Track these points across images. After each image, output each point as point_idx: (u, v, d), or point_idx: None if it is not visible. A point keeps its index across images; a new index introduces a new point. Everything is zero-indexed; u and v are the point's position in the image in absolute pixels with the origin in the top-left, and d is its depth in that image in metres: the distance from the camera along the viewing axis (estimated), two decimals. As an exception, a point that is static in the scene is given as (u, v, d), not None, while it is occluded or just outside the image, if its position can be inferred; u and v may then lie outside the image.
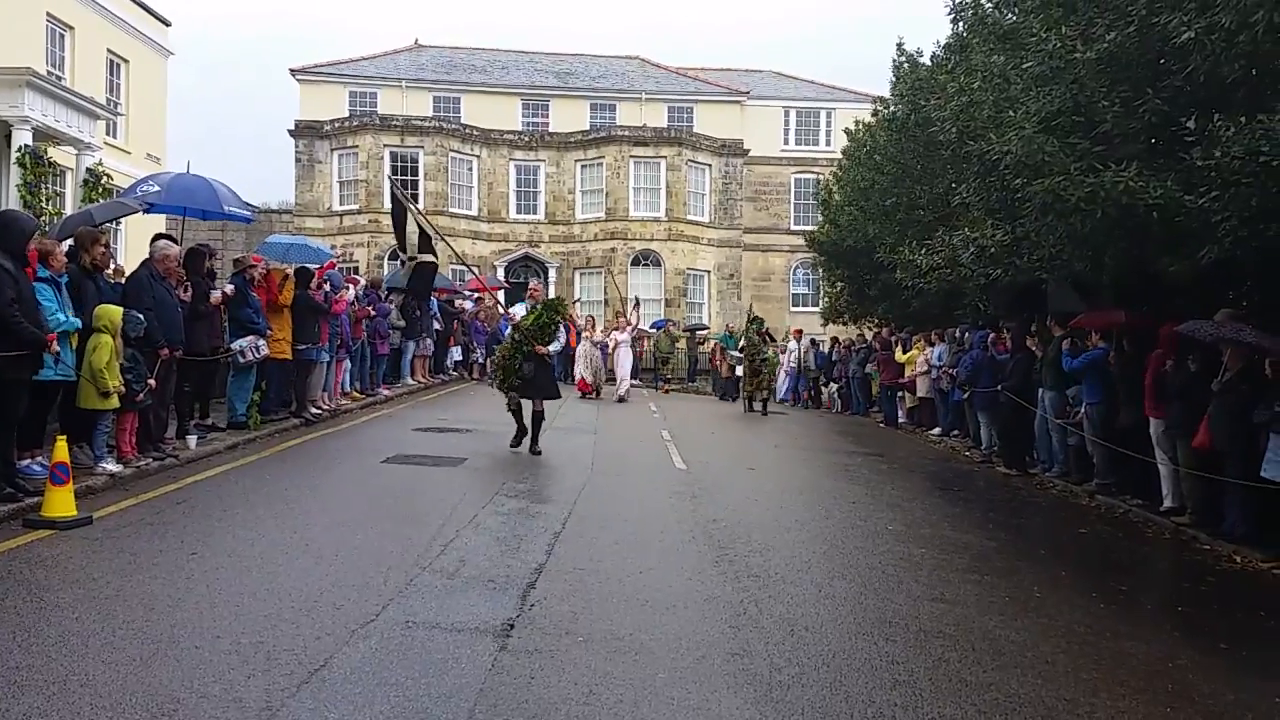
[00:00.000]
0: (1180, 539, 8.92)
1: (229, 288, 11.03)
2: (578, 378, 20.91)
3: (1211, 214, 7.62)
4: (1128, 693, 4.80)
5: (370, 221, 32.66)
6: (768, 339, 20.91)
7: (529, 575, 6.12)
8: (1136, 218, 8.40)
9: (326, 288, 13.20)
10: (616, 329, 22.64)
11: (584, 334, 21.74)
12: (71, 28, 23.15)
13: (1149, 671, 5.17)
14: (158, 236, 10.07)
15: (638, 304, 27.02)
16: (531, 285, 12.46)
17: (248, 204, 13.70)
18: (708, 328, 31.66)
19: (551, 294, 33.38)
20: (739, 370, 21.54)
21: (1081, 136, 9.05)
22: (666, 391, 25.36)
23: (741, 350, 21.06)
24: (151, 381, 8.74)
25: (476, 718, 3.97)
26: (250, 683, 4.19)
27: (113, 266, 10.19)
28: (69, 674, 4.18)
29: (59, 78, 21.75)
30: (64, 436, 7.11)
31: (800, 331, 25.54)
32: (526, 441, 11.30)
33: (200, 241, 12.53)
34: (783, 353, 23.88)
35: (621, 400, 20.24)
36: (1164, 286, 10.06)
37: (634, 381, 25.82)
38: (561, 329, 11.42)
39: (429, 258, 12.48)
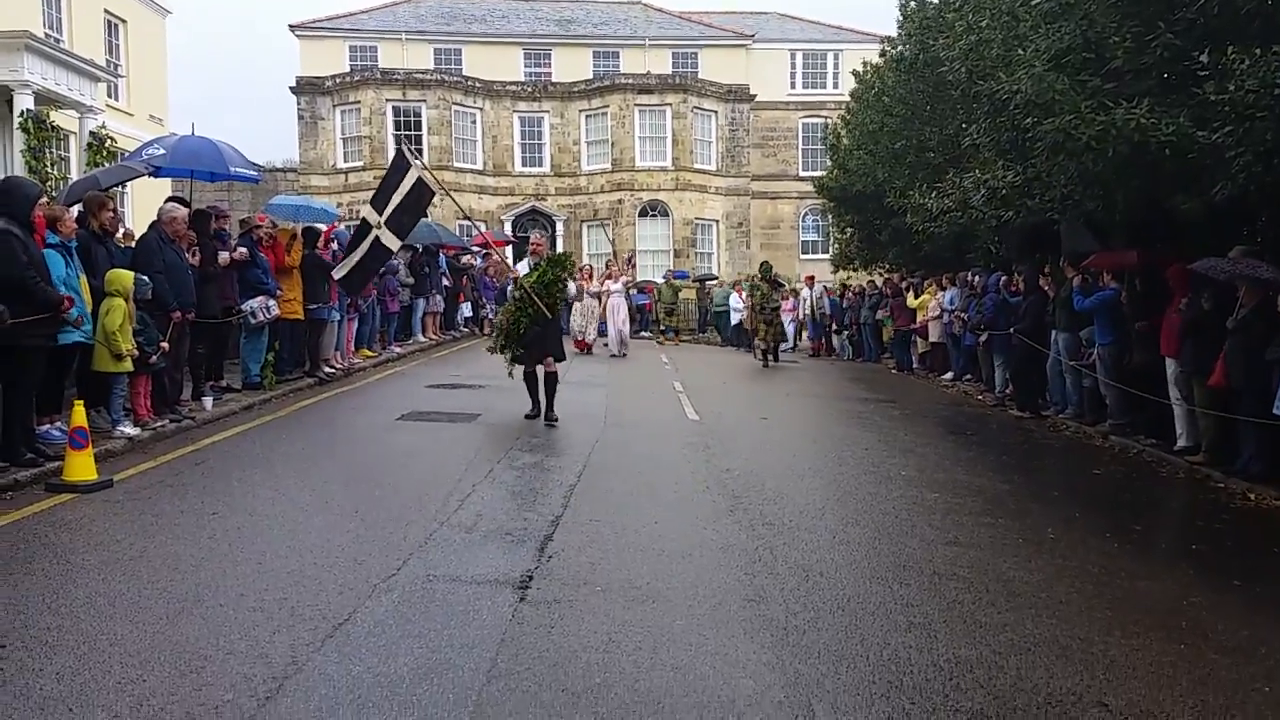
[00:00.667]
0: (1194, 478, 8.93)
1: (241, 250, 11.01)
2: (574, 334, 19.40)
3: (1225, 149, 7.51)
4: (1141, 630, 4.85)
5: (376, 178, 32.35)
6: (778, 285, 19.88)
7: (546, 528, 6.19)
8: (1149, 155, 8.29)
9: (334, 247, 13.18)
10: (610, 278, 21.17)
11: (579, 284, 20.92)
12: (68, -12, 22.90)
13: (1163, 610, 5.22)
14: (169, 199, 10.05)
15: (632, 258, 26.53)
16: (533, 240, 11.25)
17: (254, 163, 13.67)
18: (717, 277, 31.54)
19: (559, 247, 33.66)
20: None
21: (1092, 74, 8.91)
22: (676, 343, 25.00)
23: (751, 299, 19.81)
24: (164, 344, 8.79)
25: (499, 667, 4.04)
26: (275, 638, 4.27)
27: (122, 231, 10.17)
28: (98, 634, 4.27)
29: (57, 40, 21.57)
30: (81, 401, 7.17)
31: (812, 278, 25.27)
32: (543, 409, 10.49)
33: (210, 203, 12.51)
34: (786, 300, 22.82)
35: (615, 356, 19.18)
36: (1177, 224, 9.96)
37: (645, 334, 25.72)
38: (571, 286, 10.65)
39: (392, 241, 10.22)
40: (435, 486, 7.23)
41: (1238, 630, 4.94)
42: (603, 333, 20.53)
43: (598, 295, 20.86)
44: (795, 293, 25.36)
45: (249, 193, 30.17)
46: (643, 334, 25.90)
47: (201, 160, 12.03)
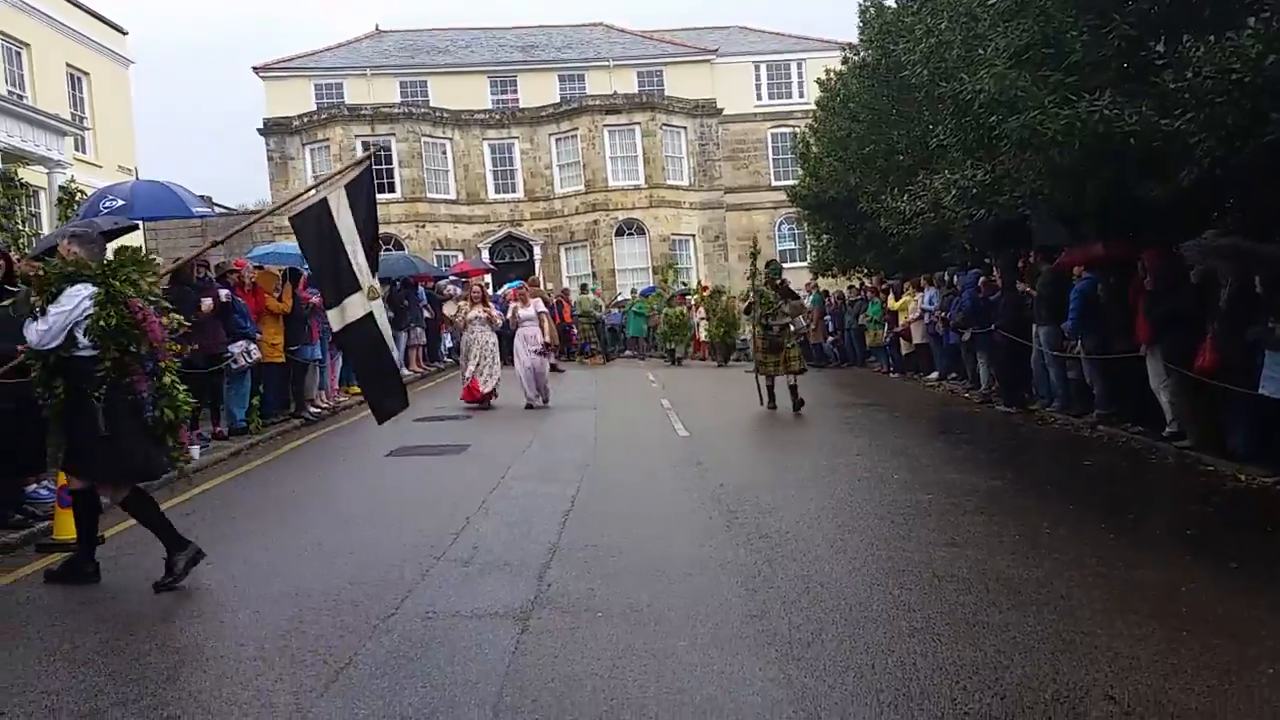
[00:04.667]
0: (1184, 462, 8.97)
1: (223, 293, 10.94)
2: (467, 377, 14.34)
3: (1188, 136, 7.60)
4: (1143, 620, 4.86)
5: (350, 214, 32.45)
6: (790, 294, 14.10)
7: (543, 556, 6.16)
8: (1114, 146, 8.39)
9: (315, 300, 13.02)
10: (519, 301, 15.12)
11: (461, 310, 15.25)
12: (27, 44, 22.84)
13: (1163, 597, 5.24)
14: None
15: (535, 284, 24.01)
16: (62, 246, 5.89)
17: (203, 197, 13.70)
18: (695, 291, 31.47)
19: (538, 273, 33.51)
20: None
21: (1053, 69, 9.01)
22: (596, 363, 23.59)
23: (749, 311, 14.29)
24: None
25: (504, 701, 4.01)
26: (279, 686, 4.23)
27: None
28: (99, 691, 4.22)
29: (20, 97, 21.50)
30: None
31: (813, 284, 25.03)
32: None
33: (186, 251, 12.45)
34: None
35: (530, 407, 13.93)
36: (1147, 211, 10.06)
37: (627, 353, 25.43)
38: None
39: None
40: (429, 522, 7.19)
41: (1238, 613, 4.96)
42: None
43: (500, 322, 15.02)
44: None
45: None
46: (626, 353, 25.75)
47: (163, 206, 11.89)
